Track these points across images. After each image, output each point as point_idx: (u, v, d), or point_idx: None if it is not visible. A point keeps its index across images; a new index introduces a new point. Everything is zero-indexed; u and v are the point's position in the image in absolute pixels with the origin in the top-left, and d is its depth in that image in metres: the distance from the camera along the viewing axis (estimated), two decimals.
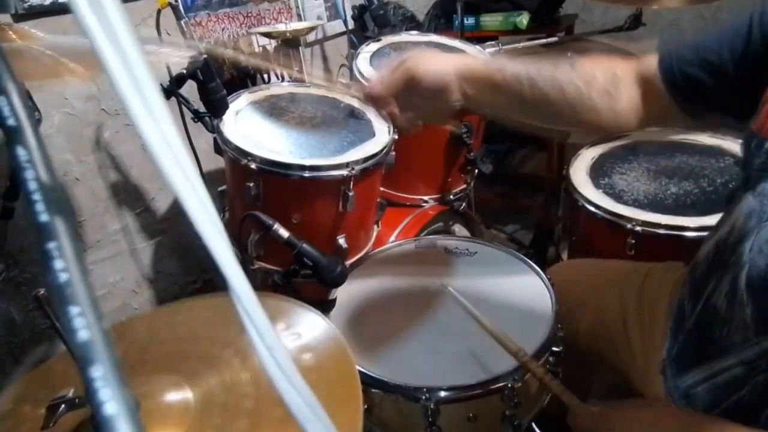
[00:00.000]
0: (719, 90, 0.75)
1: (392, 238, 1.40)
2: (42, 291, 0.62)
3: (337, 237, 1.20)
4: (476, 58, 0.90)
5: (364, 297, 1.12)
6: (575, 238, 1.47)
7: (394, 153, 1.25)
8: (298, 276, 1.04)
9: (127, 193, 1.54)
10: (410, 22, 2.22)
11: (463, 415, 0.91)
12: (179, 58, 0.94)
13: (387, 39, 1.60)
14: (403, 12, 2.20)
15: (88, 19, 0.17)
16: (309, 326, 0.82)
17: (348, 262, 1.20)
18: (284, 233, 1.00)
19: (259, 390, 0.70)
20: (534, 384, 0.96)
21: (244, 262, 1.18)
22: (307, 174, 1.11)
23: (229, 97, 1.19)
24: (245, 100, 1.28)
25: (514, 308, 1.06)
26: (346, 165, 1.11)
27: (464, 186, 1.59)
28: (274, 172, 1.10)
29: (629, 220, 1.21)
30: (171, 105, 1.25)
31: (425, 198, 1.54)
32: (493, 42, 1.76)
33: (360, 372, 0.78)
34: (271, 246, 1.15)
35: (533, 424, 1.02)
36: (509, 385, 0.89)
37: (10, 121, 0.17)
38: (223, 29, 1.65)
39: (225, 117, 1.17)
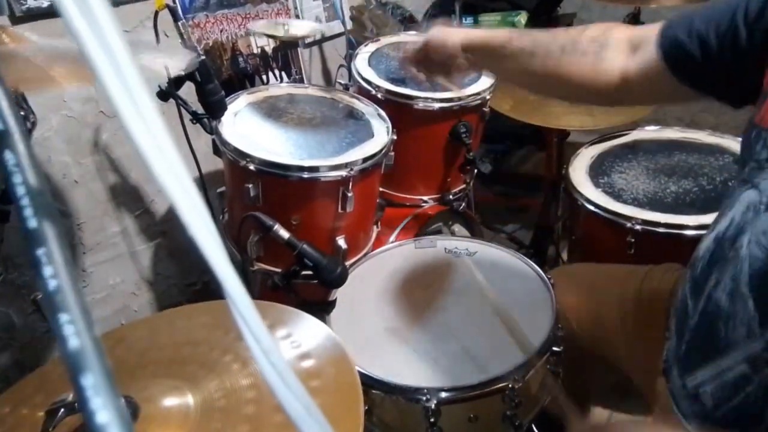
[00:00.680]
0: (708, 68, 0.76)
1: (392, 238, 1.40)
2: (40, 294, 0.62)
3: (337, 238, 1.20)
4: (485, 31, 1.00)
5: (365, 298, 1.12)
6: (575, 238, 1.46)
7: (393, 153, 1.25)
8: (299, 277, 1.04)
9: (126, 195, 1.53)
10: (409, 23, 2.21)
11: (463, 416, 0.91)
12: (176, 66, 0.94)
13: (385, 39, 1.60)
14: (401, 12, 2.20)
15: (76, 23, 0.17)
16: (309, 333, 0.82)
17: (348, 263, 1.20)
18: (284, 234, 1.00)
19: (259, 395, 0.70)
20: (535, 384, 0.96)
21: (244, 263, 1.18)
22: (306, 175, 1.10)
23: (228, 98, 1.19)
24: (244, 101, 1.28)
25: (515, 308, 1.06)
26: (345, 166, 1.11)
27: (463, 186, 1.58)
28: (273, 173, 1.10)
29: (629, 218, 1.21)
30: (169, 106, 1.25)
31: (425, 198, 1.54)
32: None
33: (360, 373, 0.78)
34: (271, 247, 1.15)
35: (533, 425, 1.02)
36: (510, 386, 0.89)
37: None
38: (221, 31, 1.65)
39: (223, 118, 1.17)
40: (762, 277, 0.64)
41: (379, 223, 1.38)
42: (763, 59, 0.69)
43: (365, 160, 1.14)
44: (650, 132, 1.55)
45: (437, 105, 1.37)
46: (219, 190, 1.33)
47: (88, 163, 1.43)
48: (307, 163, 1.11)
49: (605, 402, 1.20)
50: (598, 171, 1.41)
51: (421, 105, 1.37)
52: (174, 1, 1.50)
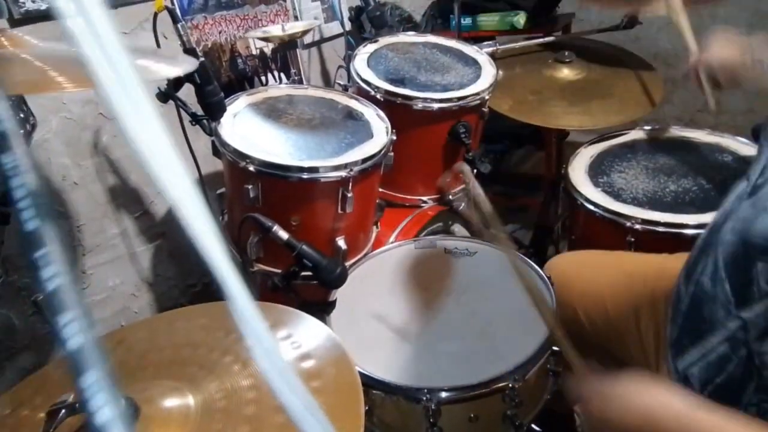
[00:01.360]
0: None
1: (391, 238, 1.40)
2: (41, 296, 0.62)
3: (337, 238, 1.20)
4: None
5: (365, 298, 1.12)
6: (574, 237, 1.47)
7: (392, 154, 1.25)
8: (298, 278, 1.04)
9: (126, 197, 1.53)
10: (407, 23, 2.22)
11: (464, 416, 0.91)
12: (177, 72, 0.94)
13: (384, 40, 1.61)
14: (400, 13, 2.20)
15: (75, 27, 0.17)
16: (309, 334, 0.82)
17: (348, 263, 1.20)
18: (284, 235, 1.00)
19: (260, 396, 0.70)
20: (535, 384, 0.96)
21: (244, 264, 1.18)
22: (305, 176, 1.11)
23: (227, 99, 1.19)
24: (243, 102, 1.28)
25: (514, 308, 1.06)
26: (345, 166, 1.11)
27: (463, 186, 1.58)
28: (273, 174, 1.10)
29: (628, 218, 1.21)
30: (169, 108, 1.25)
31: (424, 198, 1.54)
32: (490, 42, 1.76)
33: (361, 373, 0.78)
34: (271, 248, 1.15)
35: (534, 425, 1.02)
36: (510, 385, 0.89)
37: None
38: (220, 32, 1.65)
39: (223, 119, 1.17)
40: (734, 261, 0.69)
41: (378, 224, 1.38)
42: None
43: (365, 160, 1.14)
44: (649, 131, 1.55)
45: (436, 105, 1.38)
46: (218, 192, 1.33)
47: (88, 165, 1.43)
48: (306, 164, 1.11)
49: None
50: (597, 170, 1.41)
51: (420, 105, 1.37)
52: (173, 3, 1.50)
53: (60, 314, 0.15)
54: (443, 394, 0.88)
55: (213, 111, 1.14)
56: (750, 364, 0.67)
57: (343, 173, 1.11)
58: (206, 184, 1.50)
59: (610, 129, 1.56)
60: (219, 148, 1.17)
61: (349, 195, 1.13)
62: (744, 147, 1.41)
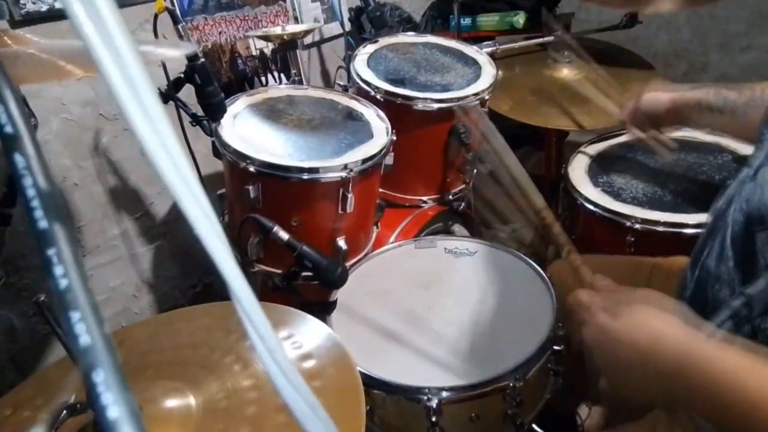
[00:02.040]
0: None
1: (392, 238, 1.40)
2: (42, 297, 0.62)
3: (337, 239, 1.20)
4: (688, 91, 1.14)
5: (365, 298, 1.12)
6: (574, 237, 1.46)
7: (392, 154, 1.25)
8: (299, 278, 1.04)
9: (126, 198, 1.54)
10: (407, 24, 2.22)
11: (465, 415, 0.91)
12: (177, 55, 0.94)
13: (384, 40, 1.61)
14: (399, 13, 2.20)
15: (84, 25, 0.17)
16: (310, 334, 0.82)
17: (348, 264, 1.20)
18: (284, 235, 1.00)
19: (261, 396, 0.70)
20: (535, 383, 0.96)
21: (244, 265, 1.18)
22: (305, 176, 1.11)
23: (227, 100, 1.19)
24: (243, 103, 1.28)
25: (515, 307, 1.06)
26: (345, 167, 1.11)
27: (463, 186, 1.59)
28: (273, 175, 1.10)
29: (628, 218, 1.21)
30: (169, 109, 1.25)
31: (424, 198, 1.54)
32: (490, 42, 1.77)
33: (362, 373, 0.78)
34: (271, 249, 1.15)
35: (535, 424, 1.02)
36: (511, 385, 0.89)
37: (8, 129, 0.17)
38: (220, 33, 1.66)
39: (223, 120, 1.17)
40: (742, 238, 0.70)
41: (378, 224, 1.38)
42: None
43: (365, 161, 1.14)
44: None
45: (436, 105, 1.38)
46: (219, 192, 1.33)
47: (88, 166, 1.43)
48: (306, 165, 1.11)
49: (605, 401, 1.21)
50: (597, 170, 1.41)
51: (420, 106, 1.37)
52: (173, 4, 1.50)
53: (70, 312, 0.15)
54: (444, 394, 0.88)
55: (213, 112, 1.15)
56: (754, 341, 0.68)
57: (343, 174, 1.11)
58: (206, 184, 1.50)
59: (610, 129, 1.56)
60: (219, 149, 1.17)
61: (350, 195, 1.13)
62: (743, 146, 1.41)
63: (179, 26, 1.18)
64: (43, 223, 0.15)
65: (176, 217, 1.64)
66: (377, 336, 1.03)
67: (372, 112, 1.33)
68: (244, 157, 1.10)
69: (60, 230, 0.16)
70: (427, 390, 0.88)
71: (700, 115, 1.08)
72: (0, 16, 1.18)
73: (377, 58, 1.52)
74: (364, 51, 1.53)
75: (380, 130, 1.26)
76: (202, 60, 1.11)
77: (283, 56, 1.84)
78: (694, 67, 2.58)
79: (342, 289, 1.05)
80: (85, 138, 1.41)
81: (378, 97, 1.37)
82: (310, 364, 0.77)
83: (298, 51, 1.88)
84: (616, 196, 1.30)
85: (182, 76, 1.14)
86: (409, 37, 1.67)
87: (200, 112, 1.18)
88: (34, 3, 1.22)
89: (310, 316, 0.86)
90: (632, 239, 1.21)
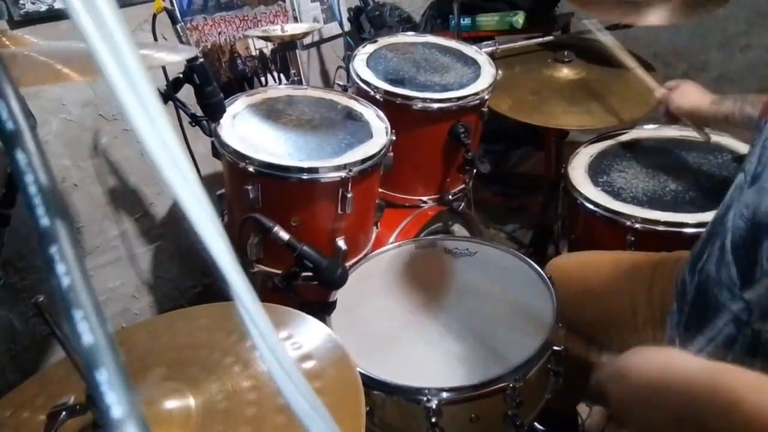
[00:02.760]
0: None
1: (392, 239, 1.40)
2: (41, 298, 0.62)
3: (337, 239, 1.20)
4: (712, 104, 1.26)
5: (365, 299, 1.12)
6: (574, 237, 1.47)
7: (392, 154, 1.25)
8: (299, 279, 1.04)
9: (126, 199, 1.53)
10: (406, 23, 2.22)
11: (465, 416, 0.91)
12: (177, 58, 0.94)
13: (383, 40, 1.61)
14: (399, 13, 2.20)
15: (85, 23, 0.17)
16: (310, 335, 0.82)
17: (348, 264, 1.20)
18: (284, 236, 1.00)
19: (261, 397, 0.70)
20: (535, 383, 0.96)
21: (244, 265, 1.18)
22: (305, 176, 1.11)
23: (226, 100, 1.19)
24: (242, 103, 1.28)
25: (515, 307, 1.06)
26: (345, 167, 1.11)
27: (463, 186, 1.59)
28: (273, 175, 1.10)
29: (628, 217, 1.21)
30: (168, 109, 1.25)
31: (424, 198, 1.54)
32: (489, 42, 1.77)
33: (361, 374, 0.78)
34: (271, 249, 1.15)
35: (535, 424, 1.02)
36: (511, 385, 0.89)
37: (9, 125, 0.16)
38: (219, 33, 1.65)
39: (222, 120, 1.17)
40: (742, 244, 0.72)
41: (378, 224, 1.38)
42: None
43: (364, 161, 1.14)
44: (649, 131, 1.56)
45: (436, 105, 1.38)
46: (218, 193, 1.33)
47: (88, 167, 1.43)
48: (306, 165, 1.11)
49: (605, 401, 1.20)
50: (597, 170, 1.41)
51: (419, 105, 1.37)
52: (172, 4, 1.50)
53: (72, 311, 0.15)
54: (444, 395, 0.88)
55: (212, 112, 1.14)
56: (755, 343, 0.69)
57: (342, 174, 1.11)
58: (206, 185, 1.50)
59: (610, 129, 1.56)
60: (218, 149, 1.17)
61: (349, 195, 1.13)
62: (742, 146, 1.42)
63: (178, 26, 1.17)
64: (45, 221, 0.15)
65: (176, 217, 1.64)
66: (377, 336, 1.03)
67: (371, 112, 1.33)
68: (244, 157, 1.10)
69: (62, 228, 0.16)
70: (426, 391, 0.88)
71: (721, 124, 1.18)
72: None
73: (377, 58, 1.52)
74: (364, 51, 1.53)
75: (380, 130, 1.26)
76: (201, 60, 1.11)
77: (283, 56, 1.84)
78: (694, 66, 2.58)
79: (342, 289, 1.04)
80: (85, 138, 1.41)
81: (377, 97, 1.37)
82: (309, 364, 0.77)
83: (297, 51, 1.88)
84: (616, 195, 1.30)
85: (181, 76, 1.13)
86: (408, 37, 1.67)
87: (199, 113, 1.18)
88: (33, 3, 1.22)
89: (309, 317, 0.86)
90: (632, 239, 1.21)
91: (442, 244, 1.26)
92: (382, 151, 1.20)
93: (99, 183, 1.46)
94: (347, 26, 1.99)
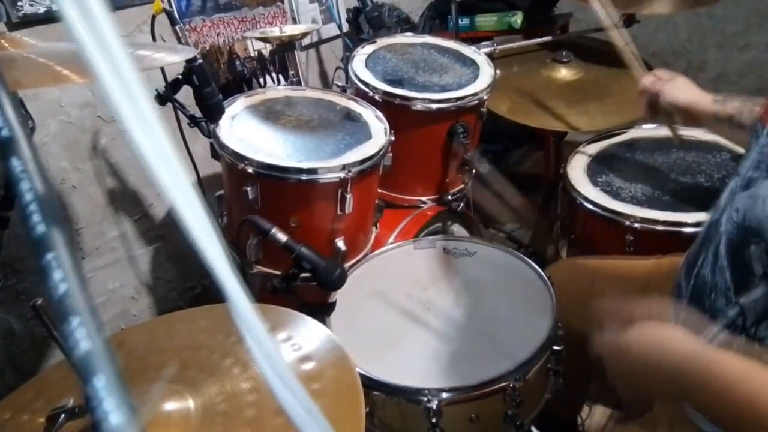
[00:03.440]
0: None
1: (391, 239, 1.40)
2: (39, 300, 0.62)
3: (336, 239, 1.20)
4: (697, 98, 1.14)
5: (364, 299, 1.12)
6: (574, 236, 1.47)
7: (391, 154, 1.25)
8: (298, 280, 1.04)
9: (125, 200, 1.53)
10: (405, 24, 2.22)
11: (465, 416, 0.91)
12: (176, 59, 0.94)
13: (382, 41, 1.61)
14: (397, 14, 2.20)
15: (78, 28, 0.17)
16: (309, 336, 0.82)
17: (347, 265, 1.20)
18: (282, 237, 1.00)
19: (260, 399, 0.70)
20: (535, 383, 0.96)
21: (243, 266, 1.18)
22: (304, 177, 1.10)
23: (225, 101, 1.19)
24: (241, 104, 1.28)
25: (515, 307, 1.06)
26: (343, 167, 1.11)
27: (462, 186, 1.59)
28: (272, 176, 1.10)
29: (627, 217, 1.21)
30: (167, 110, 1.25)
31: (423, 199, 1.54)
32: (488, 42, 1.76)
33: (361, 375, 0.78)
34: (270, 250, 1.15)
35: (535, 424, 1.02)
36: (511, 385, 0.89)
37: (4, 132, 0.16)
38: (218, 34, 1.65)
39: (221, 122, 1.17)
40: (735, 248, 0.73)
41: (377, 225, 1.38)
42: None
43: (363, 161, 1.14)
44: (648, 130, 1.55)
45: (435, 106, 1.38)
46: (217, 194, 1.33)
47: (87, 168, 1.42)
48: (305, 165, 1.11)
49: (605, 401, 1.21)
50: (596, 170, 1.41)
51: (418, 106, 1.37)
52: (171, 6, 1.50)
53: (68, 318, 0.15)
54: (444, 395, 0.88)
55: (211, 113, 1.14)
56: (750, 348, 0.70)
57: (341, 174, 1.11)
58: (205, 186, 1.50)
59: (609, 129, 1.56)
60: (217, 150, 1.17)
61: (348, 196, 1.13)
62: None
63: (177, 28, 1.17)
64: (41, 228, 0.15)
65: (175, 219, 1.64)
66: (377, 337, 1.03)
67: (370, 112, 1.33)
68: (243, 158, 1.10)
69: (58, 235, 0.15)
70: (426, 391, 0.88)
71: (718, 125, 1.09)
72: None
73: (375, 58, 1.52)
74: (362, 52, 1.53)
75: (379, 130, 1.26)
76: (200, 61, 1.11)
77: (281, 57, 1.84)
78: (693, 66, 2.58)
79: (341, 290, 1.04)
80: (84, 140, 1.41)
81: (376, 97, 1.37)
82: (309, 366, 0.76)
83: (296, 52, 1.88)
84: (615, 195, 1.30)
85: (180, 77, 1.13)
86: (407, 38, 1.67)
87: (198, 114, 1.18)
88: (31, 5, 1.22)
89: (309, 318, 0.86)
90: (631, 238, 1.21)
91: (441, 244, 1.26)
92: (381, 152, 1.20)
93: (98, 184, 1.46)
94: (346, 27, 1.99)
